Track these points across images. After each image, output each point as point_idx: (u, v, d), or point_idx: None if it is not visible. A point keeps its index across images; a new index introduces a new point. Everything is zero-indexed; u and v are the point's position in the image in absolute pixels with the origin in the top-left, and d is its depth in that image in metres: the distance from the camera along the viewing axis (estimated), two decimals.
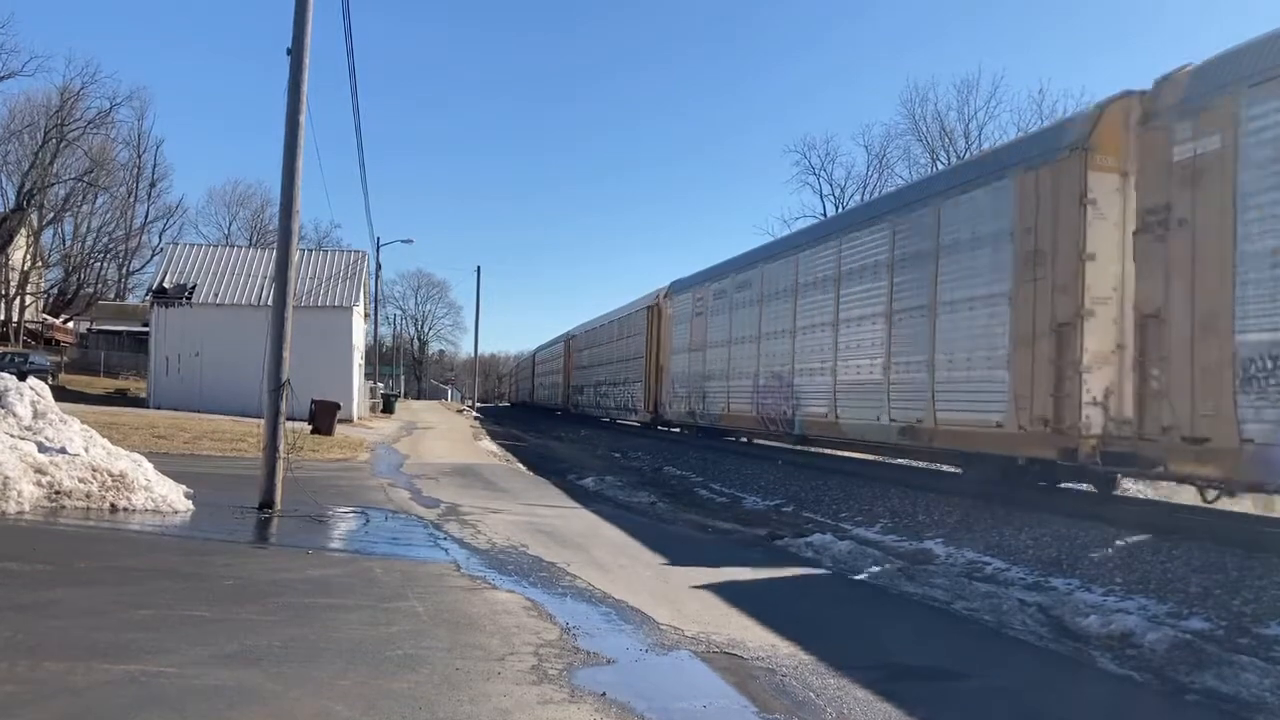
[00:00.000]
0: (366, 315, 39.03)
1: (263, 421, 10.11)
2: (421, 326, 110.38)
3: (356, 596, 6.17)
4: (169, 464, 11.27)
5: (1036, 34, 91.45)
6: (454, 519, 10.31)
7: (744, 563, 9.02)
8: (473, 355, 77.33)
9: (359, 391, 33.97)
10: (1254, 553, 7.93)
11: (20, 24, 77.90)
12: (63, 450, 9.36)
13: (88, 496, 8.95)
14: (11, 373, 11.20)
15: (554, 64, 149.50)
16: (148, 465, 9.87)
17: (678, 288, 26.53)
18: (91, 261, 59.15)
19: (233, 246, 42.58)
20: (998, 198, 11.77)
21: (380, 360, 63.08)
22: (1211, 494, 9.27)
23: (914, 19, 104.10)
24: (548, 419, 47.95)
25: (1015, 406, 11.04)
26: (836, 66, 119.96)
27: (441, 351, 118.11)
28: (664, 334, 27.28)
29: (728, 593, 7.00)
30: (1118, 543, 8.90)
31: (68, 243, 57.89)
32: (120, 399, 33.02)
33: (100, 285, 62.17)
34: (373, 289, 42.34)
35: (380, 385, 49.56)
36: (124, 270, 63.71)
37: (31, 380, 10.80)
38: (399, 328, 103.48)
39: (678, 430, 27.75)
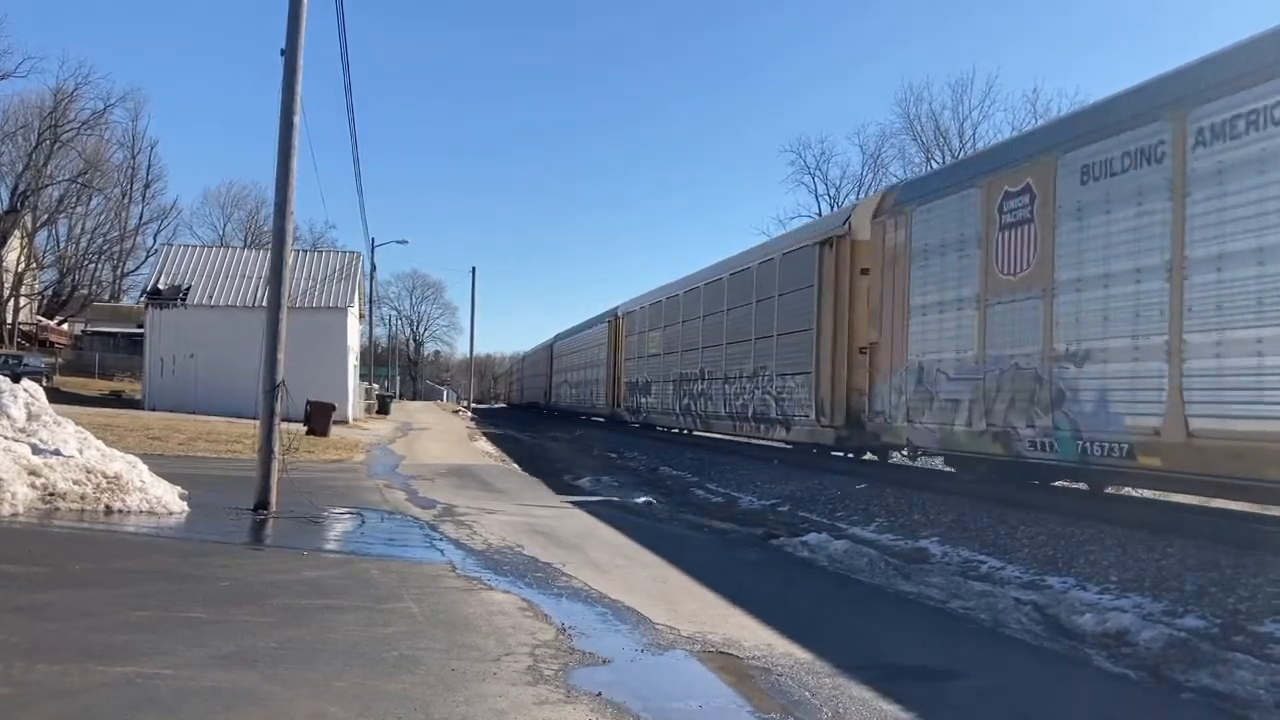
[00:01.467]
0: (362, 316, 38.98)
1: (258, 423, 10.10)
2: (417, 327, 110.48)
3: (352, 598, 6.16)
4: (164, 465, 11.24)
5: (1032, 33, 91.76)
6: (450, 520, 10.30)
7: (740, 562, 9.04)
8: (468, 356, 77.27)
9: (354, 392, 33.92)
10: (1249, 550, 7.94)
11: (14, 25, 77.98)
12: (57, 452, 9.33)
13: (82, 498, 8.93)
14: (6, 374, 11.17)
15: (551, 63, 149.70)
16: (143, 467, 9.85)
17: (915, 193, 13.79)
18: (86, 263, 59.06)
19: (227, 248, 42.57)
20: None
21: (375, 361, 63.17)
22: None
23: (910, 19, 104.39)
24: (568, 424, 39.25)
25: None
26: (833, 66, 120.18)
27: (437, 352, 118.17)
28: (876, 283, 14.43)
29: (724, 592, 7.00)
30: (1113, 541, 8.91)
31: (62, 244, 57.87)
32: (115, 401, 32.92)
33: (95, 287, 62.07)
34: (368, 290, 42.34)
35: (375, 386, 49.60)
36: (119, 272, 63.63)
37: (26, 382, 10.79)
38: (394, 328, 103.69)
39: (939, 465, 15.24)
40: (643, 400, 29.07)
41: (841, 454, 16.97)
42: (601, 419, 36.64)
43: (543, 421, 45.84)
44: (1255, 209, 7.99)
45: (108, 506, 8.95)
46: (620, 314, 33.12)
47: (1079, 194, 10.17)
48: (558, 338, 49.07)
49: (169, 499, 9.41)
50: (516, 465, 19.49)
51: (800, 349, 17.15)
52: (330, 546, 8.59)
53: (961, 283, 12.14)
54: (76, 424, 10.32)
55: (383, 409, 42.33)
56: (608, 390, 34.27)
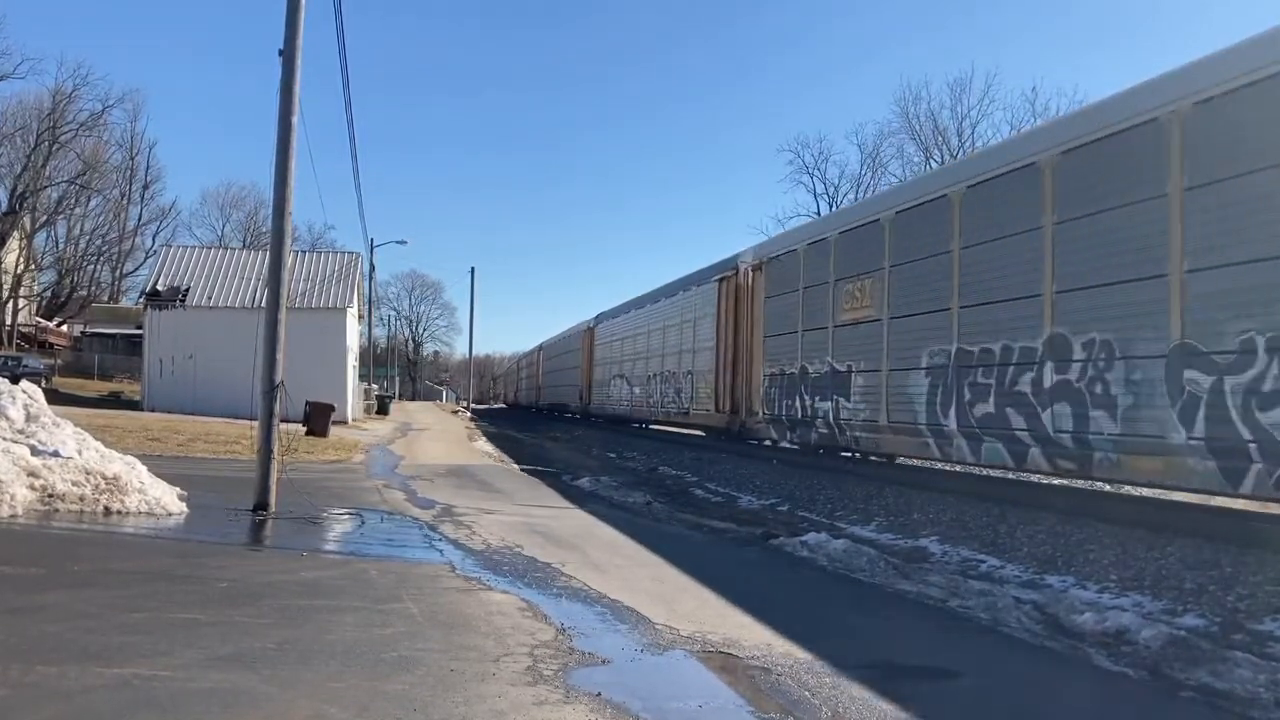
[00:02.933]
0: (361, 316, 38.96)
1: (257, 423, 10.09)
2: (416, 327, 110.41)
3: (351, 598, 6.16)
4: (163, 466, 11.23)
5: (1032, 33, 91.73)
6: (449, 520, 10.29)
7: (739, 562, 9.04)
8: (467, 356, 77.25)
9: (353, 393, 33.91)
10: (1248, 549, 7.94)
11: (12, 26, 77.96)
12: (56, 453, 9.32)
13: (81, 499, 8.92)
14: (5, 376, 11.16)
15: (551, 63, 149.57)
16: (141, 468, 9.84)
17: None
18: (85, 264, 59.19)
19: (226, 248, 42.50)
20: None
21: (375, 362, 63.14)
22: None
23: (910, 19, 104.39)
24: (623, 435, 29.09)
25: None
26: (832, 66, 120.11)
27: (436, 352, 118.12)
28: None
29: (723, 592, 7.00)
30: (1112, 540, 8.91)
31: (61, 245, 58.01)
32: (114, 402, 32.90)
33: (94, 288, 62.13)
34: (366, 290, 42.31)
35: (375, 387, 49.59)
36: (117, 273, 63.70)
37: (25, 383, 10.77)
38: (393, 329, 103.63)
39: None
40: (818, 405, 16.01)
41: None
42: (700, 432, 23.81)
43: (538, 422, 44.89)
44: None
45: (106, 508, 8.94)
46: (749, 265, 19.82)
47: None
48: (600, 318, 36.43)
49: (168, 500, 9.40)
50: (516, 466, 19.47)
51: None
52: (329, 547, 8.58)
53: None
54: (75, 425, 10.31)
55: (382, 409, 42.33)
56: (718, 388, 21.25)
